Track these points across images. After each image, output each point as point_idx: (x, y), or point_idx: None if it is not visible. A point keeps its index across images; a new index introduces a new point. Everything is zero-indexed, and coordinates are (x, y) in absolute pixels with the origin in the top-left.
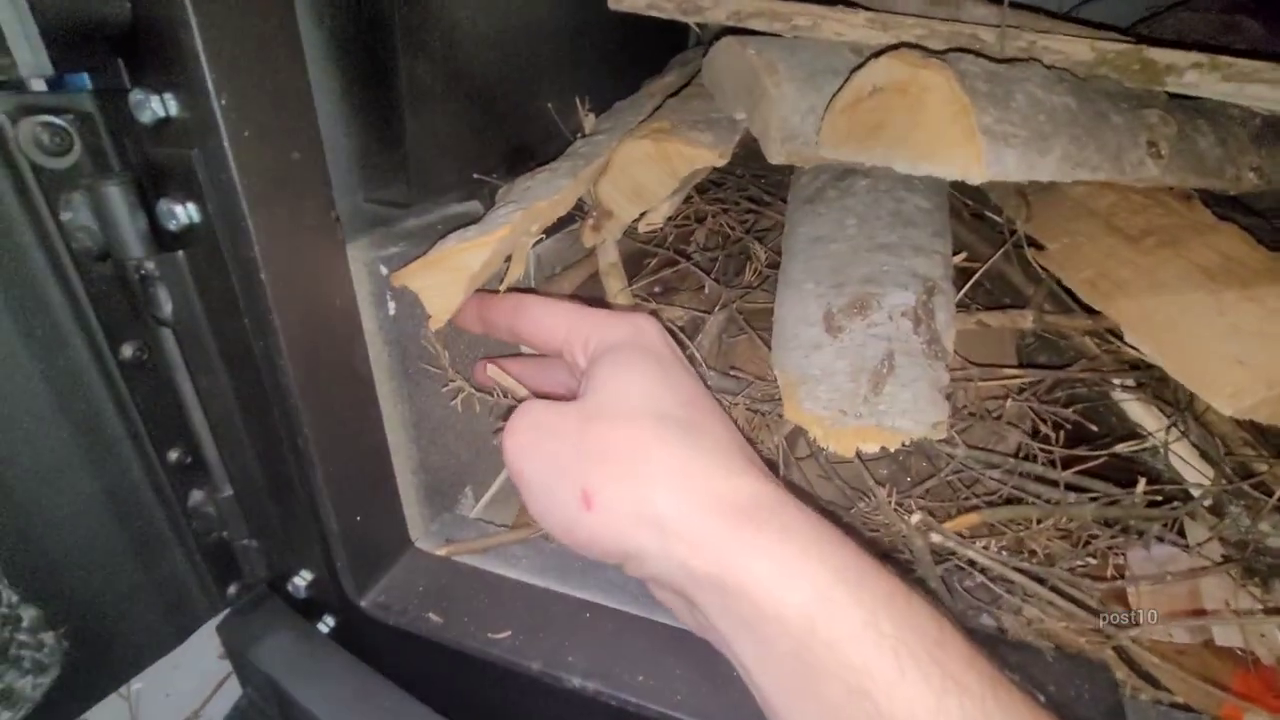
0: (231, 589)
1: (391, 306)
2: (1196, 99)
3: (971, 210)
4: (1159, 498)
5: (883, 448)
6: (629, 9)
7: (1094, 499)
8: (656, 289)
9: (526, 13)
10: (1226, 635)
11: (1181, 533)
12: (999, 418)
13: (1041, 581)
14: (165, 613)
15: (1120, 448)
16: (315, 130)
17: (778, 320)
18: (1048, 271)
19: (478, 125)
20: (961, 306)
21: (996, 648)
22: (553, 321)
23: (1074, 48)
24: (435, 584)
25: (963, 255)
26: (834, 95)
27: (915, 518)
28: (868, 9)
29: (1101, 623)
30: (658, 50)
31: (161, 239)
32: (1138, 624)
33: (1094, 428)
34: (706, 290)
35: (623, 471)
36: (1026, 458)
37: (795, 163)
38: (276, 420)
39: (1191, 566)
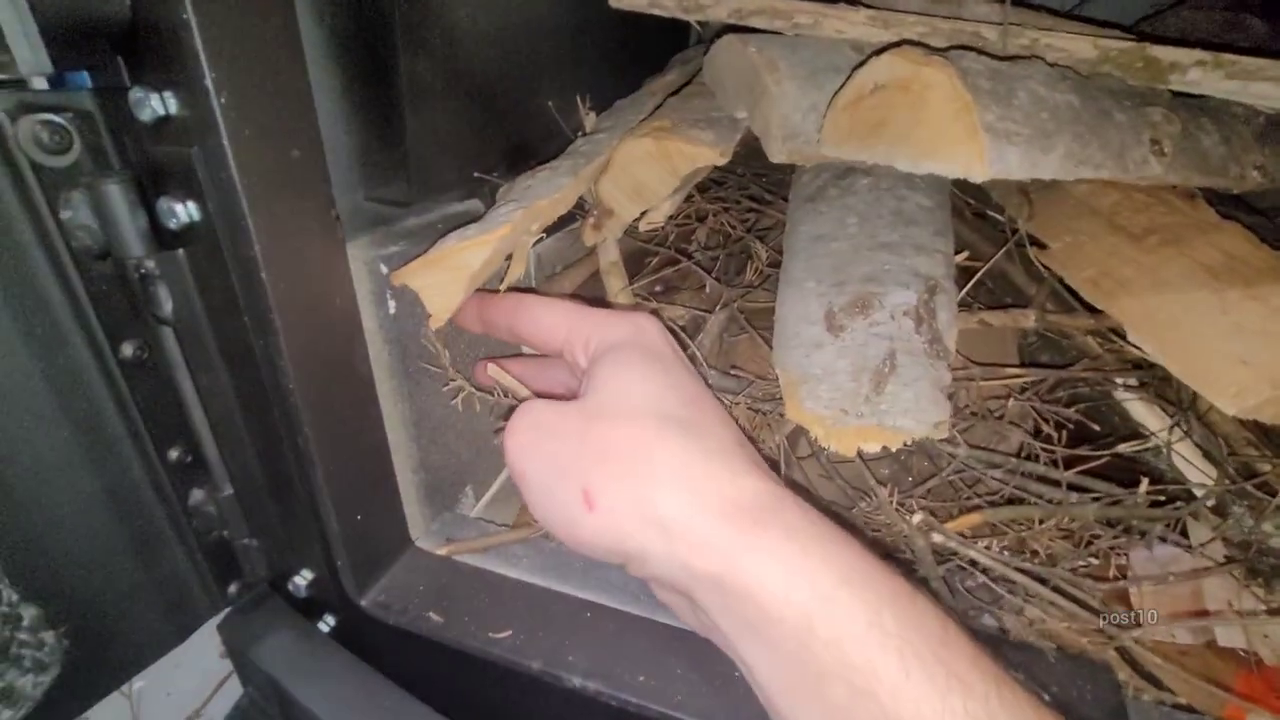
0: (232, 588)
1: (392, 305)
2: (1200, 97)
3: (973, 209)
4: (1162, 498)
5: (884, 447)
6: (630, 7)
7: (1096, 499)
8: (657, 288)
9: (527, 11)
10: (1229, 636)
11: (1184, 533)
12: (1001, 417)
13: (1044, 582)
14: (166, 612)
15: (1123, 448)
16: (315, 128)
17: (779, 319)
18: (1050, 270)
19: (478, 123)
20: (963, 305)
21: (998, 648)
22: (553, 321)
23: (1077, 45)
24: (436, 583)
25: (965, 254)
26: (835, 93)
27: (917, 518)
28: (869, 6)
29: (1104, 623)
30: (659, 48)
31: (161, 237)
32: (1140, 625)
33: (1096, 427)
34: (707, 289)
35: (624, 471)
36: (1029, 457)
37: (796, 161)
38: (277, 419)
39: (1194, 567)
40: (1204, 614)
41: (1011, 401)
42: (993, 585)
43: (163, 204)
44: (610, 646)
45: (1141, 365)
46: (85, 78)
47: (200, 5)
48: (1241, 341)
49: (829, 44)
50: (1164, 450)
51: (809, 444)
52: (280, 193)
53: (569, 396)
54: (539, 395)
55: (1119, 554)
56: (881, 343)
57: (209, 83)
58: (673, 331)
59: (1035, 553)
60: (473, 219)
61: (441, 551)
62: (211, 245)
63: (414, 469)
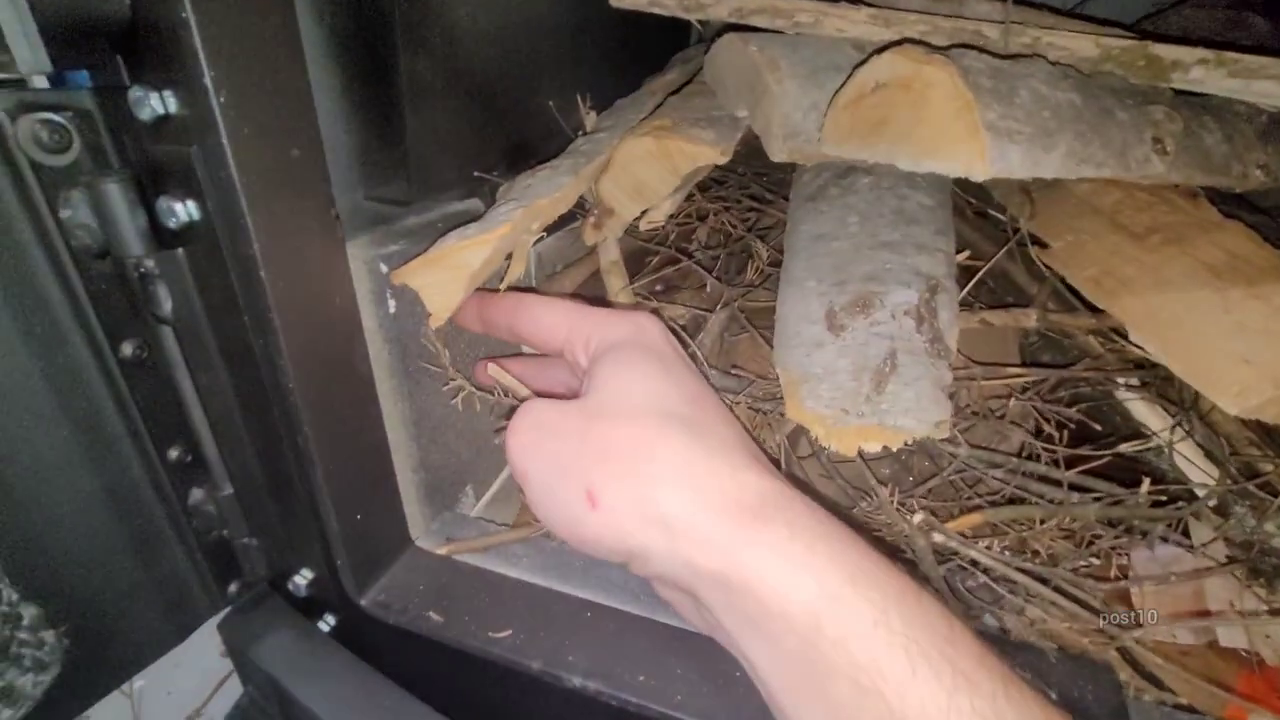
0: (232, 587)
1: (391, 304)
2: (1202, 95)
3: (975, 208)
4: (1163, 498)
5: (885, 447)
6: (630, 6)
7: (1098, 499)
8: (658, 287)
9: (527, 10)
10: (1231, 636)
11: (1186, 533)
12: (1002, 417)
13: (1045, 582)
14: (166, 611)
15: (1124, 447)
16: (315, 127)
17: (780, 318)
18: (1051, 269)
19: (478, 123)
20: (964, 305)
21: (1000, 648)
22: (553, 320)
23: (1078, 44)
24: (436, 583)
25: (966, 253)
26: (837, 92)
27: (918, 517)
28: (870, 5)
29: (1105, 623)
30: (659, 48)
31: (161, 236)
32: (1141, 625)
33: (1098, 427)
34: (708, 288)
35: (627, 470)
36: (1030, 457)
37: (797, 160)
38: (276, 418)
39: (1196, 567)
40: (1206, 614)
41: (1013, 401)
42: (994, 585)
43: (162, 203)
44: (610, 646)
45: (1143, 365)
46: (85, 77)
47: (199, 4)
48: (1244, 341)
49: (830, 43)
50: (1166, 450)
51: (810, 443)
52: (280, 192)
53: (570, 396)
54: (540, 395)
55: (1120, 554)
56: (882, 342)
57: (208, 81)
58: (673, 331)
59: (1036, 553)
60: (473, 218)
61: (441, 551)
62: (211, 244)
63: (414, 468)
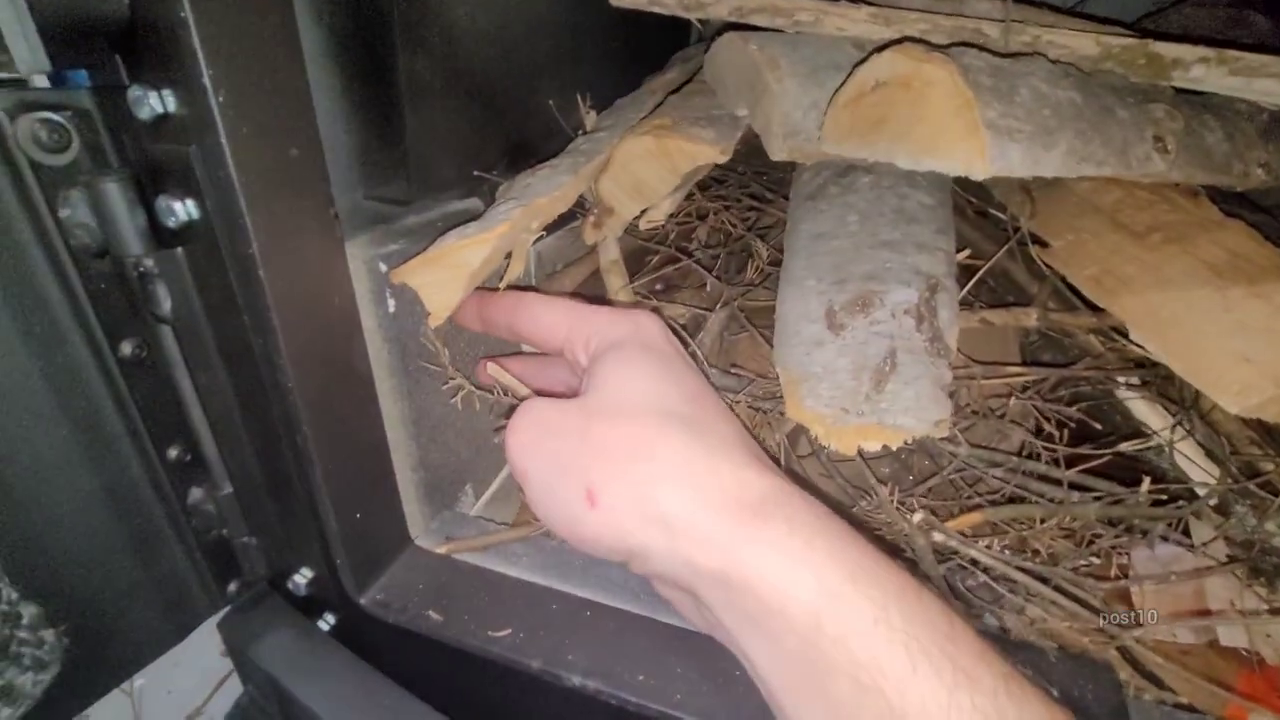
0: (232, 586)
1: (391, 304)
2: (1203, 94)
3: (975, 207)
4: (1164, 497)
5: (885, 446)
6: (630, 5)
7: (1098, 498)
8: (658, 286)
9: (527, 9)
10: (1231, 635)
11: (1186, 532)
12: (1002, 416)
13: (1045, 581)
14: (165, 610)
15: (1125, 446)
16: (314, 127)
17: (779, 317)
18: (1052, 268)
19: (478, 122)
20: (965, 304)
21: (1000, 647)
22: (553, 319)
23: (1079, 42)
24: (435, 582)
25: (966, 252)
26: (836, 90)
27: (917, 516)
28: (871, 3)
29: (1105, 623)
30: (659, 47)
31: (160, 236)
32: (1141, 624)
33: (1098, 426)
34: (708, 288)
35: (626, 468)
36: (1030, 456)
37: (797, 159)
38: (275, 418)
39: (1196, 566)
40: (1206, 613)
41: (1013, 400)
42: (994, 584)
43: (161, 202)
44: (610, 645)
45: (1144, 364)
46: (84, 76)
47: (198, 4)
48: (1244, 339)
49: (830, 41)
50: (1166, 449)
51: (809, 442)
52: (279, 191)
53: (570, 395)
54: (540, 394)
55: (1121, 553)
56: (882, 341)
57: (207, 81)
58: (673, 330)
59: (1036, 552)
60: (472, 217)
61: (441, 550)
62: (210, 244)
63: (413, 467)
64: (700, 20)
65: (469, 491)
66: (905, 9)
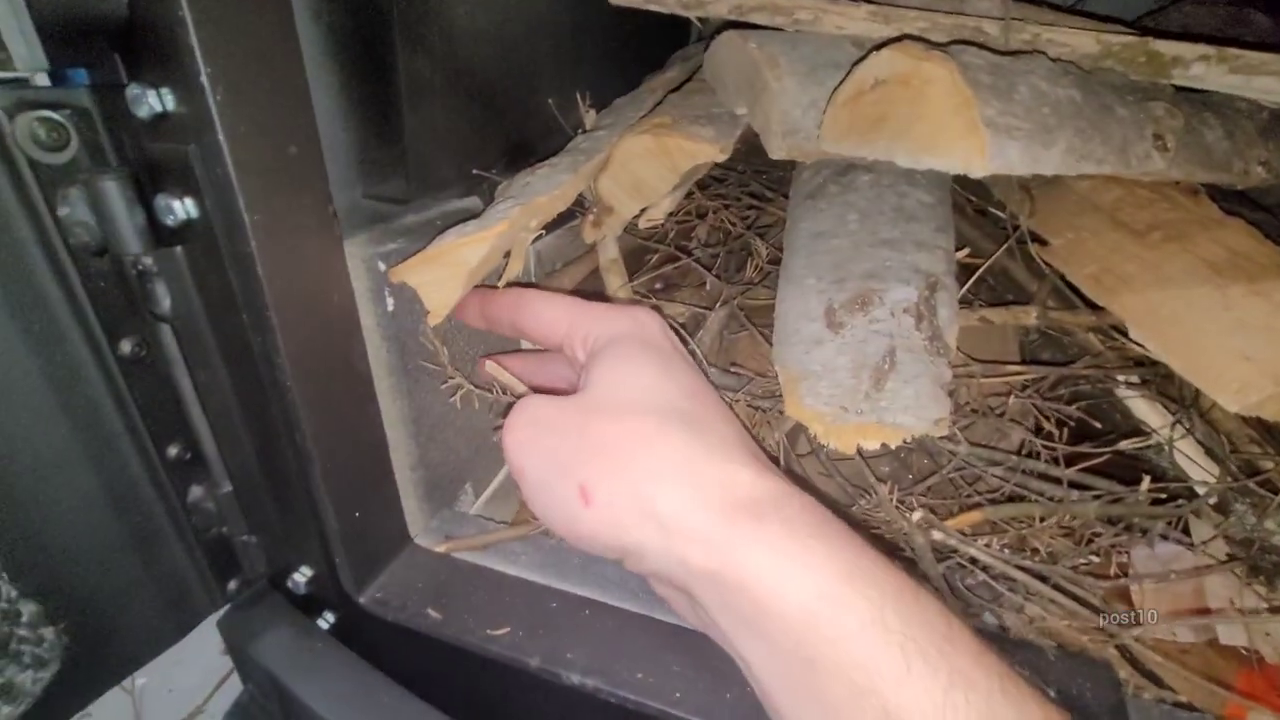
0: (232, 585)
1: (390, 302)
2: (1204, 92)
3: (975, 205)
4: (1163, 495)
5: (884, 444)
6: (630, 3)
7: (1097, 497)
8: (657, 285)
9: (527, 7)
10: (1231, 634)
11: (1186, 531)
12: (1002, 414)
13: (1044, 580)
14: (165, 608)
15: (1124, 445)
16: (312, 125)
17: (779, 316)
18: (1051, 267)
19: (477, 121)
20: (964, 302)
21: (999, 646)
22: (554, 315)
23: (1079, 40)
24: (434, 580)
25: (966, 251)
26: (836, 88)
27: (917, 515)
28: (870, 2)
29: (1104, 621)
30: (659, 46)
31: (159, 234)
32: (1141, 622)
33: (1098, 425)
34: (708, 286)
35: (621, 466)
36: (1029, 455)
37: (797, 157)
38: (275, 416)
39: (1196, 565)
40: (1206, 612)
41: (1012, 399)
42: (993, 583)
43: (160, 201)
44: (609, 644)
45: (1143, 362)
46: (83, 75)
47: (196, 2)
48: (1244, 338)
49: (829, 40)
50: (1166, 448)
51: (809, 441)
52: (278, 189)
53: (571, 391)
54: (541, 390)
55: (1120, 552)
56: (881, 339)
57: (205, 79)
58: (673, 328)
59: (1036, 550)
60: (472, 216)
61: (440, 549)
62: (209, 242)
63: (413, 466)
64: (700, 19)
65: (468, 490)
66: (905, 7)
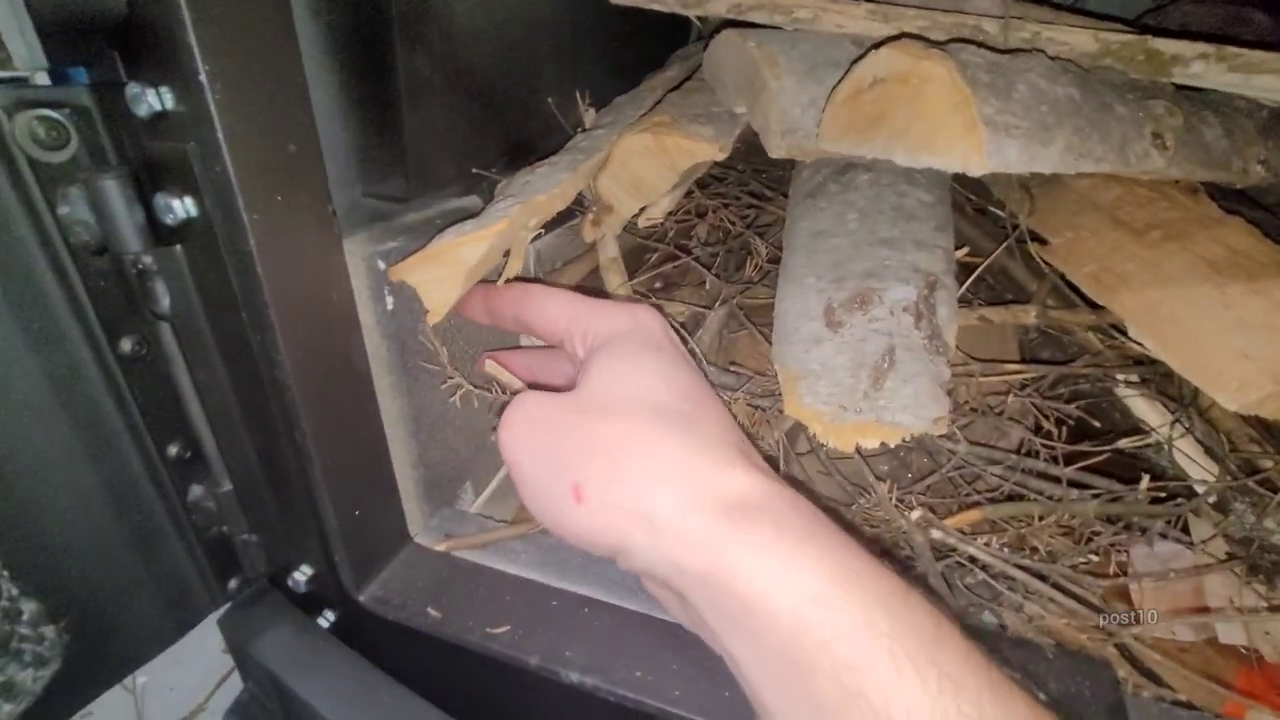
0: (232, 583)
1: (389, 301)
2: (1203, 90)
3: (974, 205)
4: (1163, 494)
5: (883, 443)
6: (630, 2)
7: (1097, 495)
8: (657, 284)
9: (527, 6)
10: (1230, 633)
11: (1185, 530)
12: (1001, 413)
13: (1043, 578)
14: (166, 607)
15: (1123, 444)
16: (312, 124)
17: (778, 315)
18: (1051, 266)
19: (477, 120)
20: (963, 301)
21: (997, 645)
22: (556, 310)
23: (1078, 38)
24: (434, 579)
25: (965, 250)
26: (834, 87)
27: (916, 514)
28: (869, 0)
29: (1103, 620)
30: (659, 45)
31: (159, 233)
32: (1140, 621)
33: (1097, 424)
34: (707, 285)
35: (613, 465)
36: (1029, 454)
37: (796, 156)
38: (275, 415)
39: (1195, 564)
40: (1205, 611)
41: (1011, 397)
42: (992, 582)
43: (160, 199)
44: (608, 642)
45: (1143, 361)
46: (82, 73)
47: (194, 0)
48: (1243, 336)
49: (829, 38)
50: (1165, 446)
51: (808, 440)
52: (277, 188)
53: (571, 387)
54: (543, 386)
55: (1119, 550)
56: (881, 338)
57: (203, 78)
58: (673, 327)
59: (1035, 549)
60: (471, 215)
61: (440, 547)
62: (208, 241)
63: (413, 465)
64: (699, 18)
65: (468, 489)
66: (904, 5)
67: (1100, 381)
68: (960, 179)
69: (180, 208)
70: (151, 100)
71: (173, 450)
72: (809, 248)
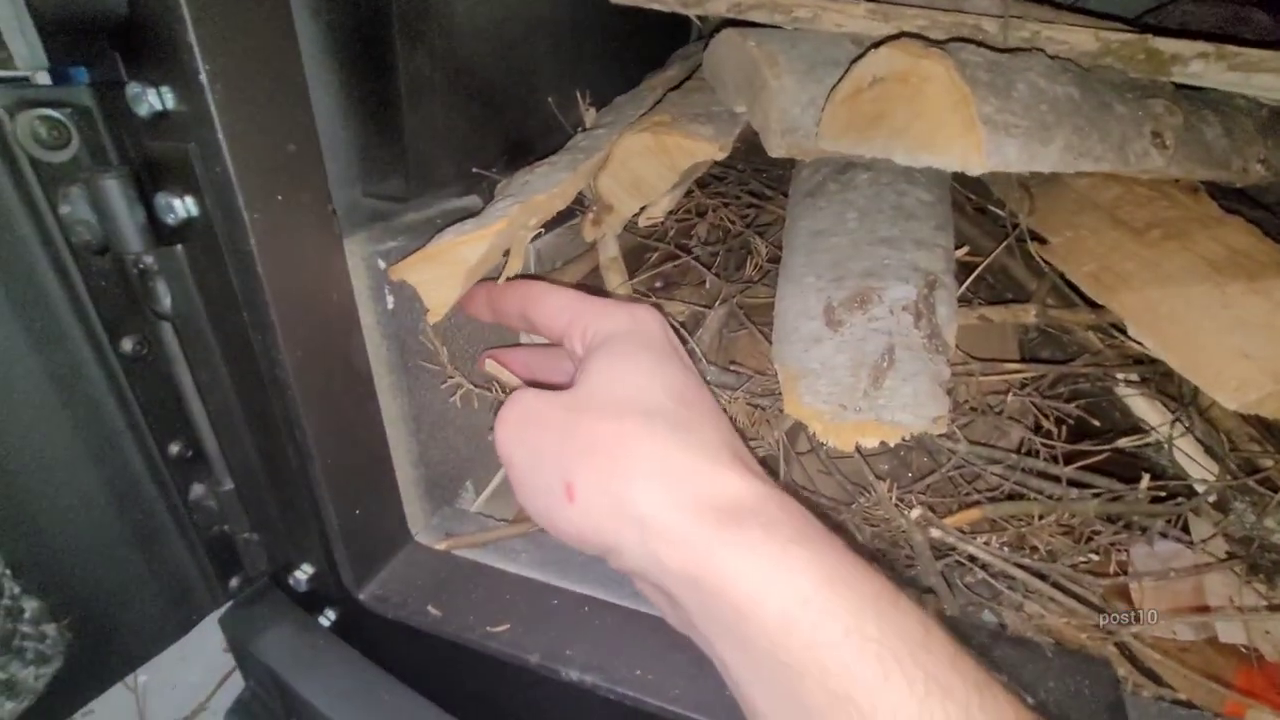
0: (234, 582)
1: (390, 300)
2: (1203, 89)
3: (974, 204)
4: (1163, 494)
5: (883, 442)
6: (630, 2)
7: (1097, 495)
8: (657, 283)
9: (527, 6)
10: (1230, 632)
11: (1185, 529)
12: (1001, 413)
13: (1043, 577)
14: (168, 605)
15: (1123, 443)
16: (312, 123)
17: (778, 314)
18: (1050, 265)
19: (477, 119)
20: (963, 301)
21: (997, 643)
22: (557, 307)
23: (1078, 37)
24: (435, 578)
25: (965, 249)
26: (834, 86)
27: (916, 513)
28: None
29: (1103, 619)
30: (659, 44)
31: (160, 232)
32: (1140, 620)
33: (1097, 423)
34: (707, 284)
35: (605, 465)
36: (1028, 453)
37: (796, 155)
38: (275, 414)
39: (1195, 563)
40: (1205, 610)
41: (1011, 397)
42: (992, 581)
43: (161, 199)
44: (608, 641)
45: (1143, 360)
46: (83, 73)
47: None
48: (1243, 335)
49: (828, 38)
50: (1165, 446)
51: (808, 439)
52: (277, 188)
53: (570, 385)
54: (543, 385)
55: (1120, 550)
56: (880, 338)
57: (203, 77)
58: (673, 327)
59: (1035, 548)
60: (471, 214)
61: (441, 546)
62: (209, 240)
63: (413, 464)
64: (699, 17)
65: (469, 488)
66: (904, 5)
67: (1100, 381)
68: (960, 178)
69: (181, 207)
70: (152, 100)
71: (174, 449)
72: (809, 247)
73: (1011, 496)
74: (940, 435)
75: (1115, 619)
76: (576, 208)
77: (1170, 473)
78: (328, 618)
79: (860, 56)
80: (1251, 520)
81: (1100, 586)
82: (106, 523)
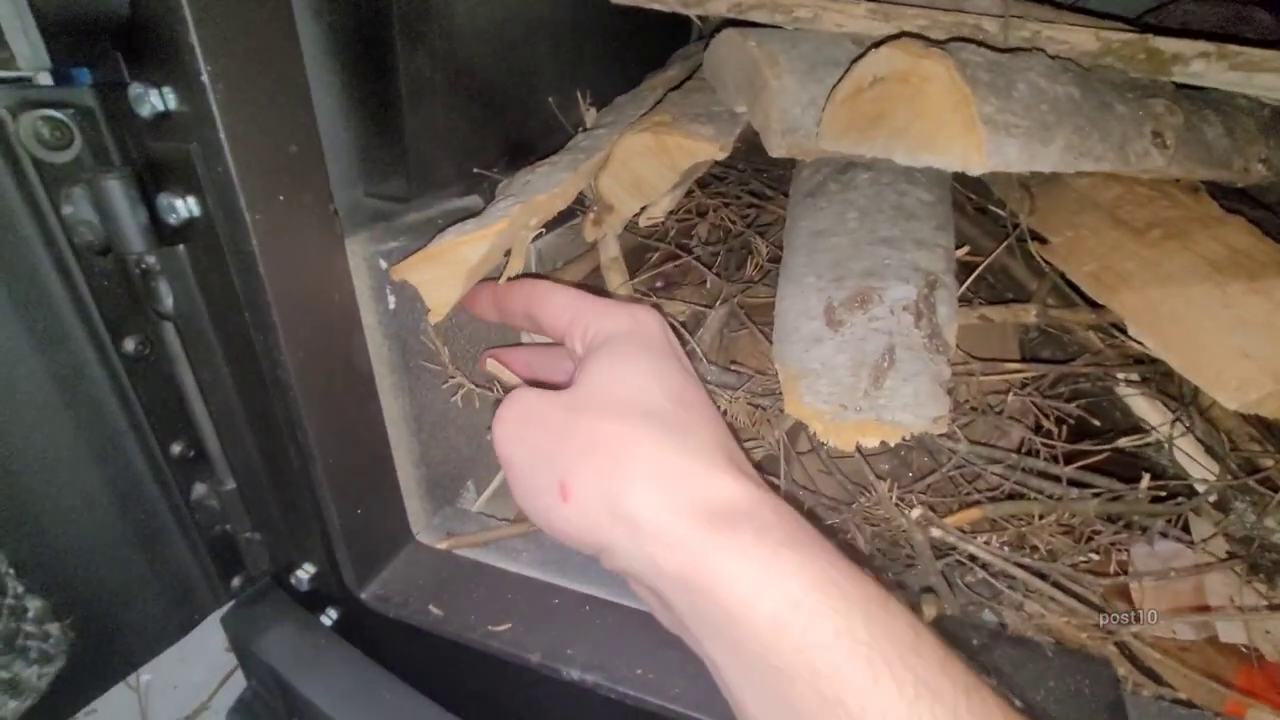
0: (236, 581)
1: (391, 300)
2: (1204, 89)
3: (974, 204)
4: (1163, 493)
5: (883, 442)
6: (630, 2)
7: (1097, 494)
8: (658, 283)
9: (528, 6)
10: (1230, 631)
11: (1186, 529)
12: (1001, 412)
13: (1043, 577)
14: (170, 605)
15: (1124, 442)
16: (313, 124)
17: (779, 314)
18: (1051, 265)
19: (478, 119)
20: (964, 300)
21: (997, 643)
22: (560, 306)
23: (1078, 37)
24: (436, 577)
25: (965, 249)
26: (835, 86)
27: (916, 513)
28: None
29: (1103, 619)
30: (660, 44)
31: (162, 233)
32: (1140, 620)
33: (1097, 423)
34: (708, 284)
35: (600, 465)
36: (1029, 453)
37: (796, 155)
38: (277, 414)
39: (1196, 562)
40: (1205, 609)
41: (1012, 397)
42: (992, 580)
43: (163, 199)
44: (609, 640)
45: (1143, 360)
46: (85, 74)
47: (196, 1)
48: (1244, 335)
49: (829, 38)
50: (1165, 445)
51: (808, 439)
52: (279, 188)
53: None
54: (544, 384)
55: (1120, 549)
56: (881, 337)
57: (205, 78)
58: (673, 327)
59: (1035, 548)
60: (472, 215)
61: (442, 546)
62: (211, 241)
63: (415, 464)
64: (700, 17)
65: (470, 488)
66: (904, 4)
67: (1100, 380)
68: (960, 178)
69: (183, 208)
70: (154, 100)
71: (176, 449)
72: (809, 247)
73: (1012, 496)
74: (941, 435)
75: (1115, 618)
76: (577, 208)
77: (1170, 472)
78: (329, 617)
79: (861, 56)
80: (1252, 520)
81: (1100, 586)
82: (109, 522)
